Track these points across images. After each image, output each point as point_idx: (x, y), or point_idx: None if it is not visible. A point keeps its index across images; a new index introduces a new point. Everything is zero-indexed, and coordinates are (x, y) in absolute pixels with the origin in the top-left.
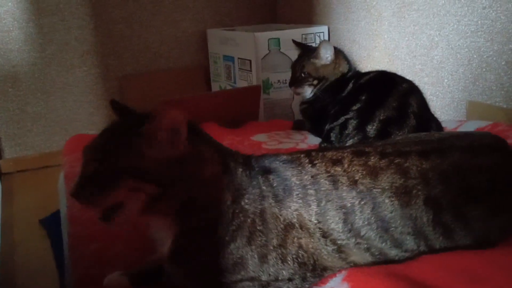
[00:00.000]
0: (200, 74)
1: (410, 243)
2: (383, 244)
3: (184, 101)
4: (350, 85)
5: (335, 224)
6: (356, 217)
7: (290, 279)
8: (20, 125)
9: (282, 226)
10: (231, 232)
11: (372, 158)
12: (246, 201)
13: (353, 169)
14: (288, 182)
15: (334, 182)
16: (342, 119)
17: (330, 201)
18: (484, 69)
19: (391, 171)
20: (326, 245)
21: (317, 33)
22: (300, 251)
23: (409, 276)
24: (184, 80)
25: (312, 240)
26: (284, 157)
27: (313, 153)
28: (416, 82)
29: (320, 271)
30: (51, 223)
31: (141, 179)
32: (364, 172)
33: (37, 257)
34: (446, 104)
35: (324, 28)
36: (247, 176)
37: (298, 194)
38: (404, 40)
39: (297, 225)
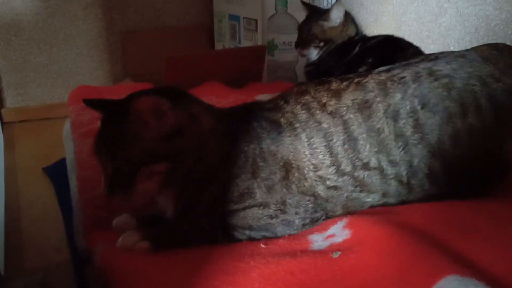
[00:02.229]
0: (204, 33)
1: (375, 161)
2: (355, 166)
3: (188, 58)
4: (357, 48)
5: (322, 155)
6: (334, 140)
7: (296, 213)
8: (22, 74)
9: (281, 163)
10: (234, 171)
11: (333, 83)
12: (244, 144)
13: (319, 94)
14: (278, 125)
15: (308, 108)
16: None
17: (310, 128)
18: (491, 38)
19: (352, 89)
20: (318, 181)
21: None
22: (300, 184)
23: (407, 224)
24: (187, 38)
25: (306, 179)
26: (267, 105)
27: (286, 93)
28: (422, 49)
29: (320, 203)
30: (55, 171)
31: (152, 163)
32: (330, 95)
33: (41, 202)
34: None
35: None
36: (239, 123)
37: (288, 130)
38: (413, 5)
39: (294, 163)
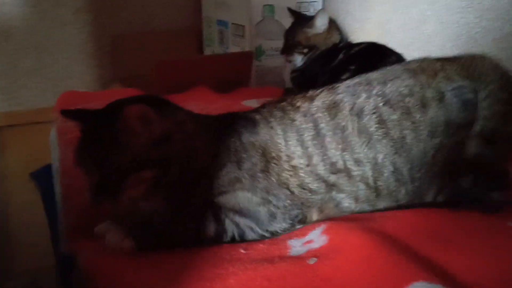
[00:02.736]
0: (194, 38)
1: (341, 161)
2: (324, 165)
3: (179, 62)
4: (341, 55)
5: (294, 146)
6: (305, 135)
7: (278, 206)
8: (12, 79)
9: (260, 151)
10: (221, 164)
11: (310, 91)
12: (226, 140)
13: (295, 101)
14: (254, 120)
15: (283, 111)
16: None
17: (285, 124)
18: (471, 46)
19: (324, 93)
20: (291, 172)
21: (311, 2)
22: (278, 176)
23: (382, 231)
24: (176, 43)
25: (283, 171)
26: (247, 111)
27: (265, 103)
28: (405, 56)
29: (296, 202)
30: (42, 176)
31: (140, 169)
32: (303, 100)
33: (30, 207)
34: None
35: None
36: (222, 126)
37: (264, 123)
38: (397, 13)
39: (272, 153)
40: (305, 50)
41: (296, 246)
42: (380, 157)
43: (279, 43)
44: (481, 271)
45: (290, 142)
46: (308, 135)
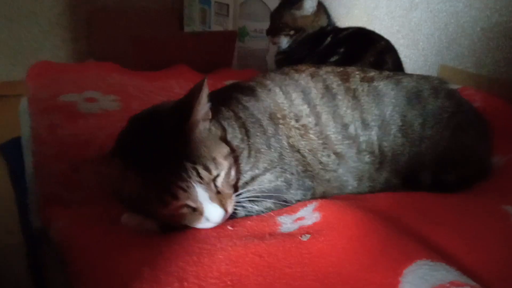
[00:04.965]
0: (173, 17)
1: (352, 122)
2: (335, 126)
3: (156, 38)
4: (328, 39)
5: (301, 105)
6: (312, 92)
7: (292, 173)
8: None
9: (267, 115)
10: (244, 135)
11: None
12: (235, 110)
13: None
14: (249, 87)
15: (284, 73)
16: None
17: (286, 84)
18: (459, 34)
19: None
20: (301, 131)
21: None
22: (289, 137)
23: (377, 210)
24: (155, 21)
25: (291, 130)
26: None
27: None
28: (393, 43)
29: (310, 165)
30: (10, 148)
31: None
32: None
33: None
34: (419, 67)
35: None
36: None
37: (259, 88)
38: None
39: (278, 114)
40: (292, 32)
41: (287, 223)
42: (387, 112)
43: (264, 25)
44: (477, 253)
45: (295, 102)
46: (317, 93)
